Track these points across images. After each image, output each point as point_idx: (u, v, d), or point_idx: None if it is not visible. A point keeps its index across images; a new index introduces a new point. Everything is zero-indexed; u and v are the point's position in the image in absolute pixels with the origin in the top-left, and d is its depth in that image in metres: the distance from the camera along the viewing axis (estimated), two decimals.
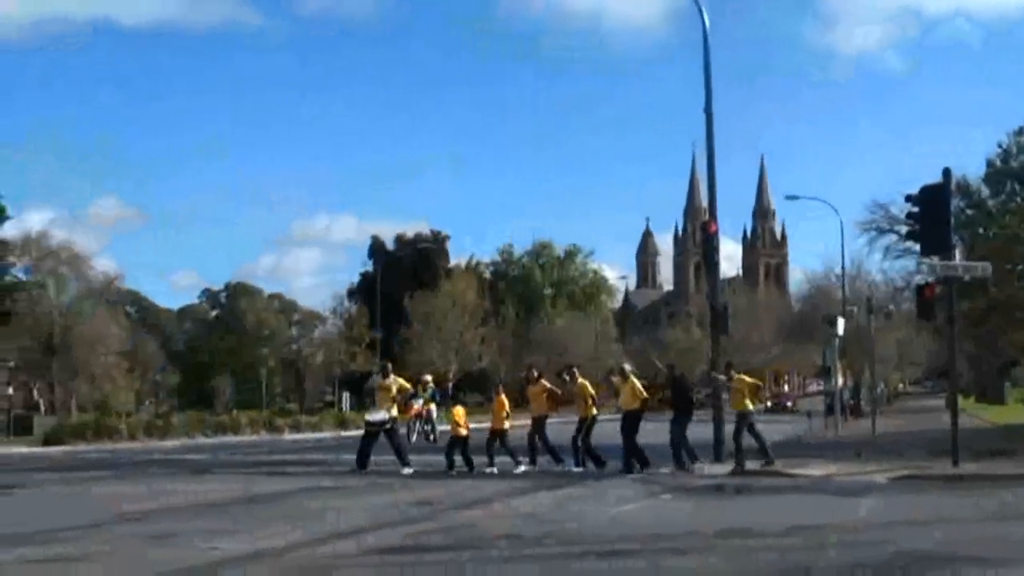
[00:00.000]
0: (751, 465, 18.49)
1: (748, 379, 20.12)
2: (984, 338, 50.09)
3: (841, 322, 35.01)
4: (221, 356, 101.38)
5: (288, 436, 38.11)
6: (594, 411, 19.15)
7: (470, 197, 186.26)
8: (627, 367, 19.92)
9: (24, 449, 30.79)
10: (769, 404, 71.32)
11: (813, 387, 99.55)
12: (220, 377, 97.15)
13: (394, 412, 19.28)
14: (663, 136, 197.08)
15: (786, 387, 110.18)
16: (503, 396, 19.82)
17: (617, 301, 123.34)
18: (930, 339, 62.02)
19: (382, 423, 18.95)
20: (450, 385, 61.27)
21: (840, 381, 38.71)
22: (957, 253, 19.85)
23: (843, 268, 52.85)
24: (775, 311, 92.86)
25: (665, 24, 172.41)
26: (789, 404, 71.28)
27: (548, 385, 19.94)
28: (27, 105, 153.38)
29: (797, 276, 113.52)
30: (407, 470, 18.38)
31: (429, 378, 31.66)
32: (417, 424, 30.42)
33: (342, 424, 41.20)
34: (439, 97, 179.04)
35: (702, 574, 8.68)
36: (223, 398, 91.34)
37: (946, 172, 18.88)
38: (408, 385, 19.89)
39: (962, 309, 30.65)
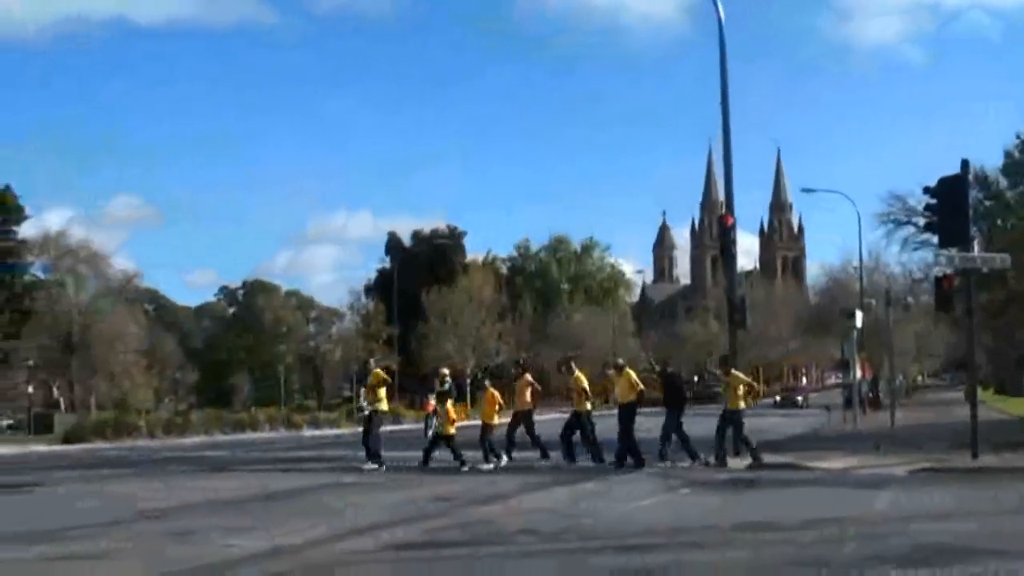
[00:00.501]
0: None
1: (743, 376, 19.91)
2: (1003, 330, 49.82)
3: (859, 315, 34.93)
4: (239, 353, 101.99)
5: (306, 432, 38.28)
6: (587, 405, 19.13)
7: (486, 193, 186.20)
8: (620, 361, 20.11)
9: (44, 447, 31.03)
10: (779, 398, 70.87)
11: (831, 380, 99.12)
12: (238, 374, 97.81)
13: (381, 406, 19.57)
14: (679, 130, 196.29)
15: (804, 380, 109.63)
16: (493, 390, 20.06)
17: (634, 295, 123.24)
18: (948, 331, 61.74)
19: (364, 412, 19.58)
20: (468, 380, 61.20)
21: (859, 374, 38.51)
22: (975, 245, 19.61)
23: (861, 260, 52.76)
24: (793, 304, 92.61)
25: (682, 19, 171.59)
26: (799, 399, 69.61)
27: (530, 380, 19.98)
28: (38, 103, 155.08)
29: (814, 269, 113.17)
30: (368, 465, 18.55)
31: (446, 371, 31.50)
32: (432, 420, 30.30)
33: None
34: (454, 93, 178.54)
35: (720, 568, 8.65)
36: (241, 395, 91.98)
37: (964, 163, 18.76)
38: (384, 375, 20.24)
39: (981, 301, 30.48)
